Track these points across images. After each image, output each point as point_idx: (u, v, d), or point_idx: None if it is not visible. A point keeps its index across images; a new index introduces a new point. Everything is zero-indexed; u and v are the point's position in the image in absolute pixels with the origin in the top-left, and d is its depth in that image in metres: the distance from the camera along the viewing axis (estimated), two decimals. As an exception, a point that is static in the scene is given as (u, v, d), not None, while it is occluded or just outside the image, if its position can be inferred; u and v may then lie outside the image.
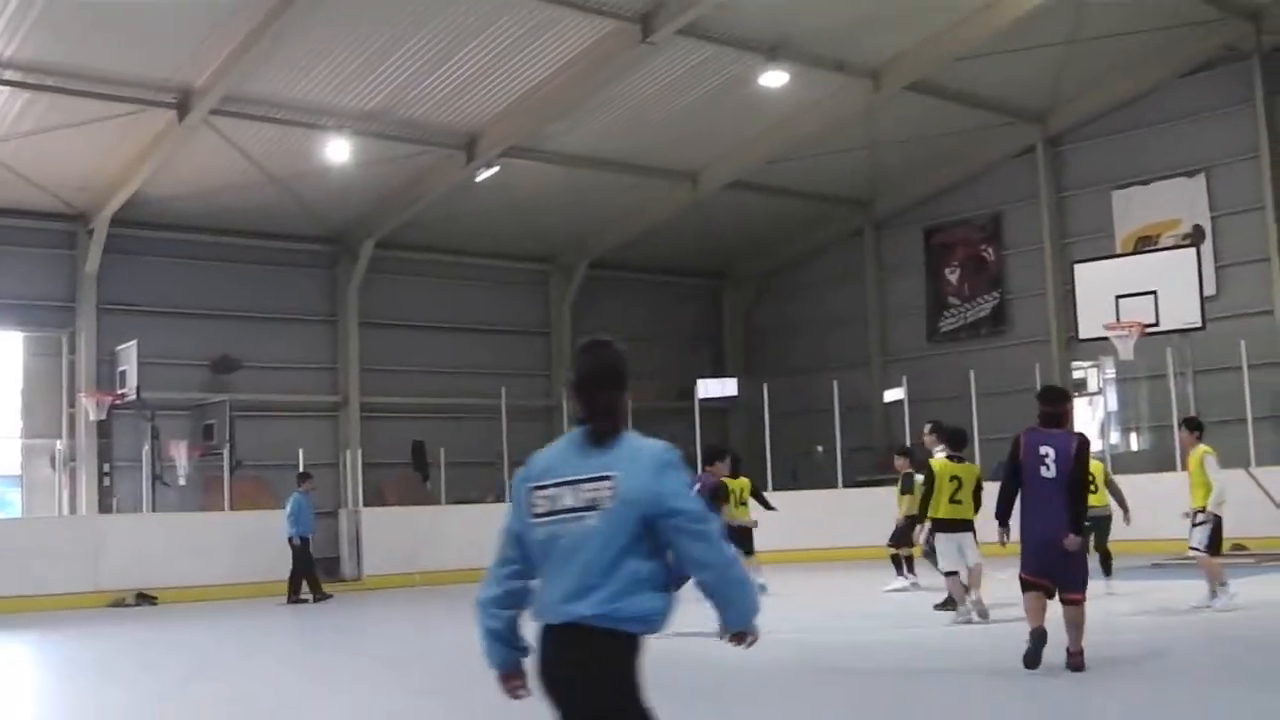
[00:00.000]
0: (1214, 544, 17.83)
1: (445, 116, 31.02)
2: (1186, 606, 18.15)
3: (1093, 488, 18.17)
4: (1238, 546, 25.61)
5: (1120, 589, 20.11)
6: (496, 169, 32.94)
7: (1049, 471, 13.05)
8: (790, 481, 34.84)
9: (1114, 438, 35.73)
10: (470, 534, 30.47)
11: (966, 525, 17.81)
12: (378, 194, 33.71)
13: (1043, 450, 13.14)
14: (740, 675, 13.82)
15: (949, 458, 18.04)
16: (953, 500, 17.70)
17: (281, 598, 26.75)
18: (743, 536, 21.25)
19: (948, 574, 17.87)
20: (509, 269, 39.21)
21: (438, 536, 30.35)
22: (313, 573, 27.48)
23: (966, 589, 17.76)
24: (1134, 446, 35.62)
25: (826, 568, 28.14)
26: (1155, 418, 33.53)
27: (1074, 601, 13.07)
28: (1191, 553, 18.20)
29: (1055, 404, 13.69)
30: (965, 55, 32.15)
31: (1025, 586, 13.29)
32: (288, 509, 27.58)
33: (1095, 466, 19.18)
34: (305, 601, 26.80)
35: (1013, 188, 38.20)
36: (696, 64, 30.63)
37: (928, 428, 19.47)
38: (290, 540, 27.23)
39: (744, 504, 22.51)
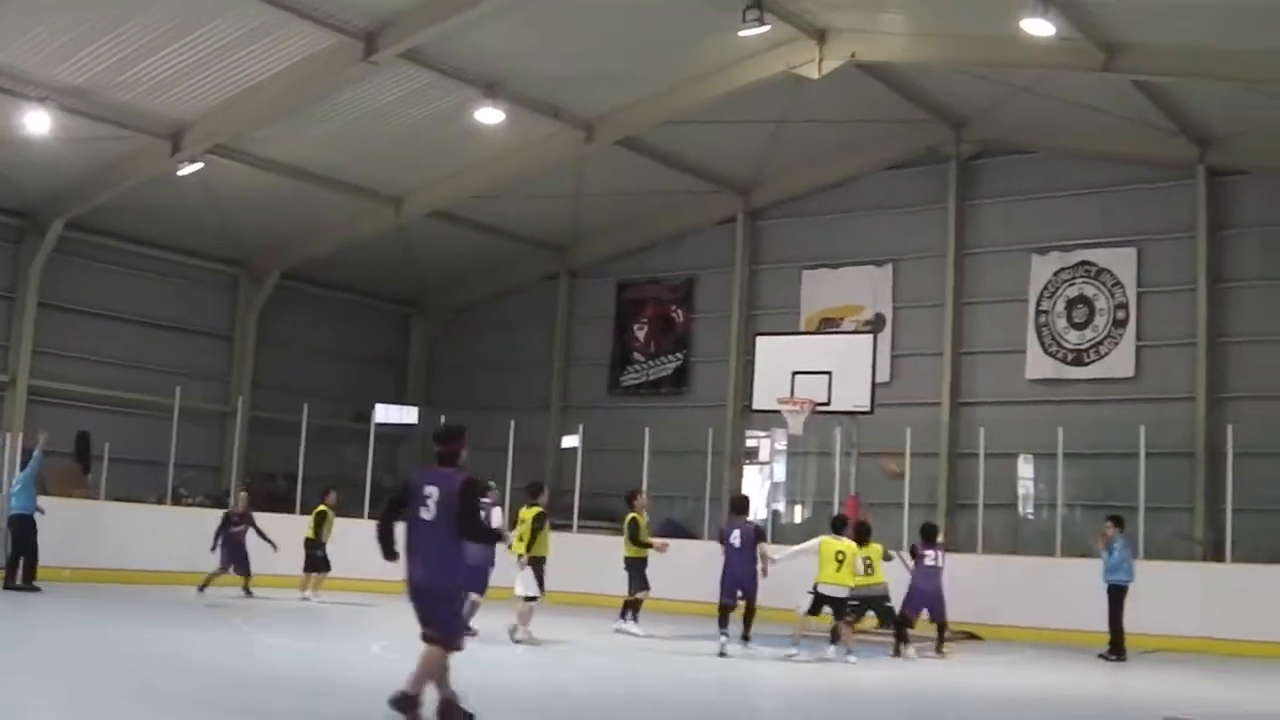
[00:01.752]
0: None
1: (154, 105, 30.41)
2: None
3: (870, 568, 21.51)
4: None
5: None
6: (201, 165, 32.42)
7: (428, 513, 12.33)
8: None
9: (779, 507, 36.66)
10: (127, 533, 30.02)
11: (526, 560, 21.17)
12: (76, 173, 32.80)
13: (425, 490, 12.44)
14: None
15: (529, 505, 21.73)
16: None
17: None
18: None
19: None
20: (200, 268, 38.42)
21: (93, 532, 29.51)
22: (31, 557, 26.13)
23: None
24: (796, 519, 36.53)
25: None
26: (820, 493, 34.47)
27: (436, 642, 12.29)
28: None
29: (446, 442, 12.88)
30: (680, 120, 32.82)
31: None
32: (15, 485, 26.63)
33: (874, 549, 21.95)
34: (26, 589, 25.56)
35: (709, 254, 38.99)
36: (415, 89, 30.68)
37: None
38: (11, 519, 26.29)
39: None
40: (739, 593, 22.00)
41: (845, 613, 21.13)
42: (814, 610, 21.35)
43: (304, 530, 28.29)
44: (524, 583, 21.18)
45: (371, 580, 28.33)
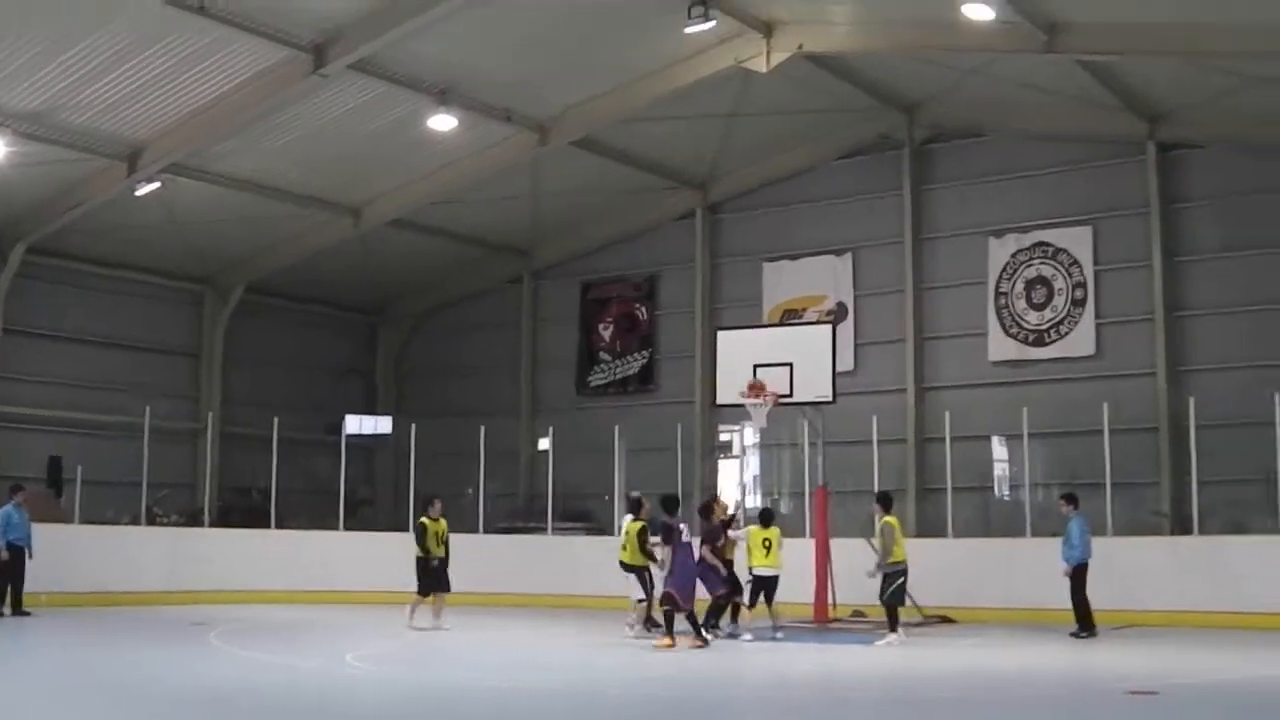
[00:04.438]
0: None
1: (109, 126, 30.45)
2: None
3: (875, 544, 22.79)
4: (858, 613, 26.64)
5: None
6: (158, 184, 32.46)
7: None
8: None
9: (754, 500, 36.67)
10: (103, 555, 30.04)
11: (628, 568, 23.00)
12: (33, 197, 32.73)
13: None
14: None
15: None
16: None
17: None
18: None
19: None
20: (164, 286, 38.36)
21: (69, 556, 29.51)
22: (9, 585, 26.95)
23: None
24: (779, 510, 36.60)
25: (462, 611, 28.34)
26: (795, 484, 34.56)
27: None
28: None
29: None
30: (632, 118, 33.00)
31: None
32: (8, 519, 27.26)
33: (894, 520, 22.87)
34: (17, 614, 26.64)
35: (670, 250, 39.09)
36: (367, 100, 30.76)
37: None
38: None
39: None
40: None
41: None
42: (752, 598, 23.37)
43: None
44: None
45: (346, 591, 28.71)
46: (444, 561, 24.99)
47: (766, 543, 23.20)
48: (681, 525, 22.68)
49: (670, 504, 22.81)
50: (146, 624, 25.51)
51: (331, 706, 14.85)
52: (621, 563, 23.13)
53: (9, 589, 26.92)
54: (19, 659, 20.69)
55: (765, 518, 23.98)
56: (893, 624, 22.49)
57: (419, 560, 24.96)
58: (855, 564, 25.73)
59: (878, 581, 22.82)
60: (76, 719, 14.09)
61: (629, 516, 23.55)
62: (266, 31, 27.50)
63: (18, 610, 26.75)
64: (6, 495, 27.91)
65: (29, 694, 15.90)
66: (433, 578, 24.86)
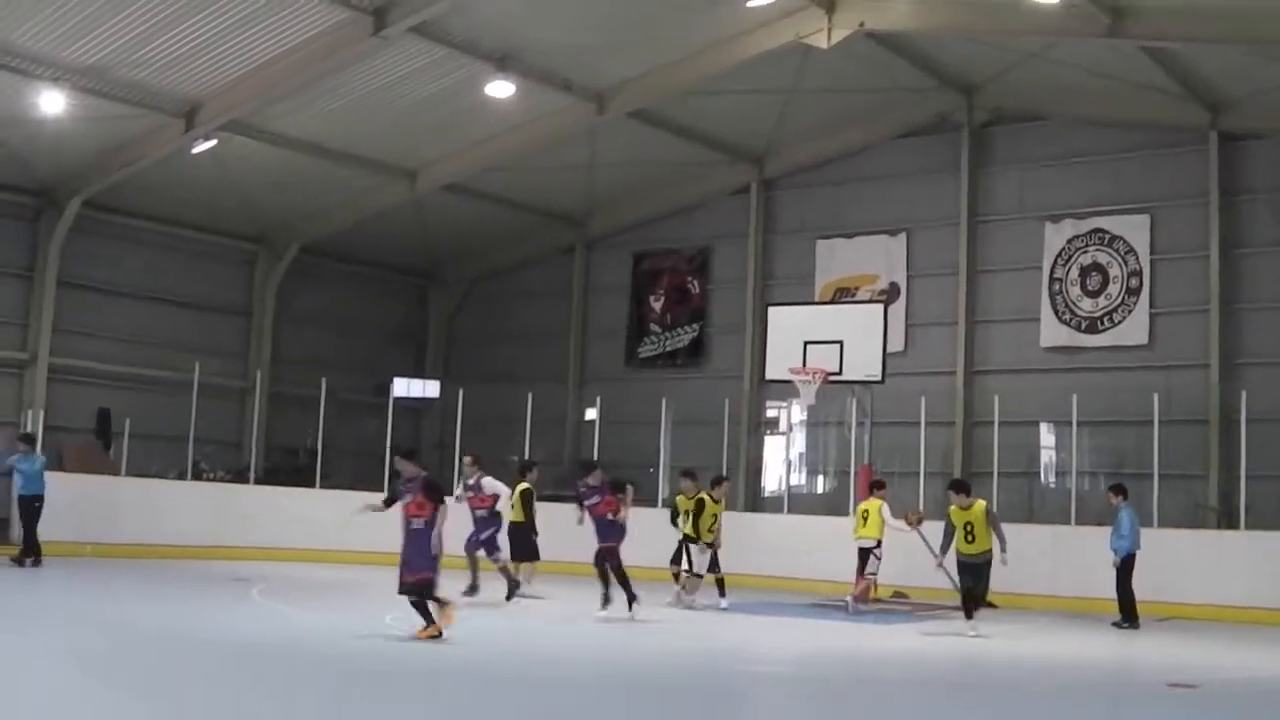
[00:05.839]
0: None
1: (167, 83, 30.46)
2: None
3: (971, 536, 21.19)
4: (899, 594, 26.64)
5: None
6: (215, 142, 32.46)
7: None
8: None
9: (799, 478, 36.64)
10: (147, 508, 30.25)
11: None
12: (91, 152, 32.85)
13: None
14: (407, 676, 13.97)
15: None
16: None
17: None
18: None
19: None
20: (218, 244, 38.43)
21: (113, 508, 29.85)
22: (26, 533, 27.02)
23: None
24: (818, 489, 36.59)
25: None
26: (840, 463, 34.51)
27: None
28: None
29: None
30: (691, 90, 32.86)
31: None
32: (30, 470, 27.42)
33: (979, 508, 21.33)
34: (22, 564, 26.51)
35: (724, 224, 38.93)
36: (426, 64, 30.70)
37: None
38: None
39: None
40: None
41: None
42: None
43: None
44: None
45: (389, 553, 28.70)
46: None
47: (865, 514, 24.24)
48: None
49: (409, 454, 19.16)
50: (189, 578, 25.70)
51: (367, 664, 14.89)
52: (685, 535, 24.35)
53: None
54: (61, 608, 20.84)
55: (874, 486, 25.38)
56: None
57: (522, 526, 25.03)
58: (897, 544, 25.69)
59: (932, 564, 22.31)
60: (111, 668, 14.16)
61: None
62: (327, -8, 27.55)
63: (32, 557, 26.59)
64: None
65: (70, 643, 16.02)
66: (531, 543, 24.99)
